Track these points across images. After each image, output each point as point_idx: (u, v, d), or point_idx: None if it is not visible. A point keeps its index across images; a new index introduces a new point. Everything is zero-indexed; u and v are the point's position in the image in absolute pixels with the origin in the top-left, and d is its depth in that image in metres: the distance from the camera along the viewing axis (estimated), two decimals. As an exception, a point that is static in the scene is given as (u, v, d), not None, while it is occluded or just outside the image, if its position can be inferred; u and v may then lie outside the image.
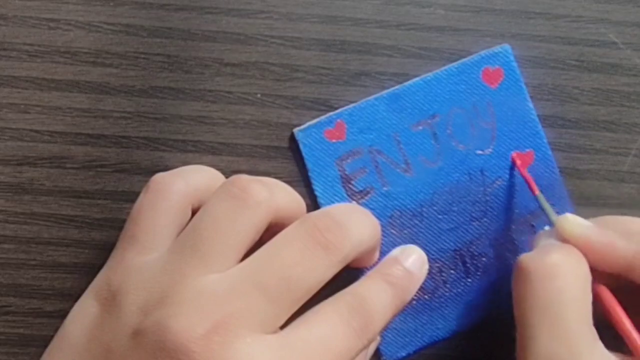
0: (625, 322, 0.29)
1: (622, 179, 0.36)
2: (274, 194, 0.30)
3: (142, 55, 0.34)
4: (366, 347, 0.29)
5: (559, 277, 0.28)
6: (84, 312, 0.29)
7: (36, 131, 0.33)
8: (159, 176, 0.31)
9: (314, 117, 0.34)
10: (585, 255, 0.29)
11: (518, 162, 0.34)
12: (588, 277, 0.29)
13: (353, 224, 0.29)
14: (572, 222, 0.30)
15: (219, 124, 0.34)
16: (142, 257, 0.29)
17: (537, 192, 0.32)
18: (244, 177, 0.30)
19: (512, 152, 0.35)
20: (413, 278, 0.32)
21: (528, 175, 0.33)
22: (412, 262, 0.32)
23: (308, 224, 0.29)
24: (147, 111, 0.34)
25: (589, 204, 0.35)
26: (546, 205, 0.32)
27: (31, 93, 0.33)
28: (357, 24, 0.35)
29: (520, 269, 0.29)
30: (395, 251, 0.33)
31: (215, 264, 0.28)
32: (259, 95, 0.34)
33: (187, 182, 0.31)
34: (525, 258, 0.29)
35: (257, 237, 0.29)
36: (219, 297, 0.27)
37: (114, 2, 0.34)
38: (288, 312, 0.28)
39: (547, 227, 0.32)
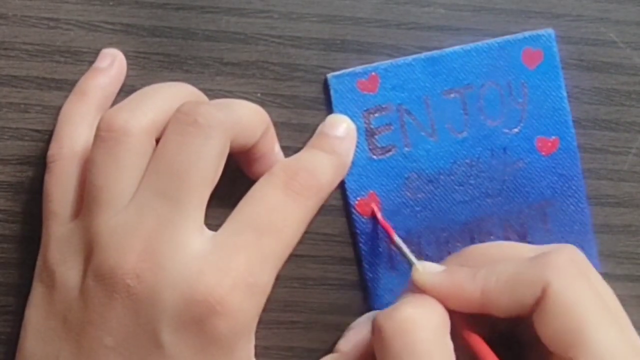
0: None
1: (622, 178, 0.36)
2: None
3: (142, 55, 0.34)
4: (316, 208, 0.30)
5: (409, 332, 0.27)
6: (35, 296, 0.30)
7: (36, 131, 0.33)
8: (109, 117, 0.29)
9: (313, 117, 0.34)
10: (441, 301, 0.29)
11: (375, 207, 0.34)
12: (443, 326, 0.28)
13: (226, 105, 0.30)
14: (422, 272, 0.30)
15: (219, 124, 0.34)
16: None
17: (395, 239, 0.32)
18: (192, 102, 0.29)
19: (538, 136, 0.35)
20: (345, 141, 0.33)
21: (386, 223, 0.33)
22: (342, 130, 0.33)
23: (178, 111, 0.29)
24: (147, 111, 0.34)
25: (589, 204, 0.35)
26: (407, 254, 0.31)
27: (31, 93, 0.33)
28: (357, 23, 0.35)
29: (375, 328, 0.28)
30: (322, 127, 0.33)
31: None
32: (259, 95, 0.34)
33: (145, 115, 0.29)
34: (378, 316, 0.28)
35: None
36: (133, 226, 0.28)
37: (114, 2, 0.34)
38: (196, 202, 0.28)
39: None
